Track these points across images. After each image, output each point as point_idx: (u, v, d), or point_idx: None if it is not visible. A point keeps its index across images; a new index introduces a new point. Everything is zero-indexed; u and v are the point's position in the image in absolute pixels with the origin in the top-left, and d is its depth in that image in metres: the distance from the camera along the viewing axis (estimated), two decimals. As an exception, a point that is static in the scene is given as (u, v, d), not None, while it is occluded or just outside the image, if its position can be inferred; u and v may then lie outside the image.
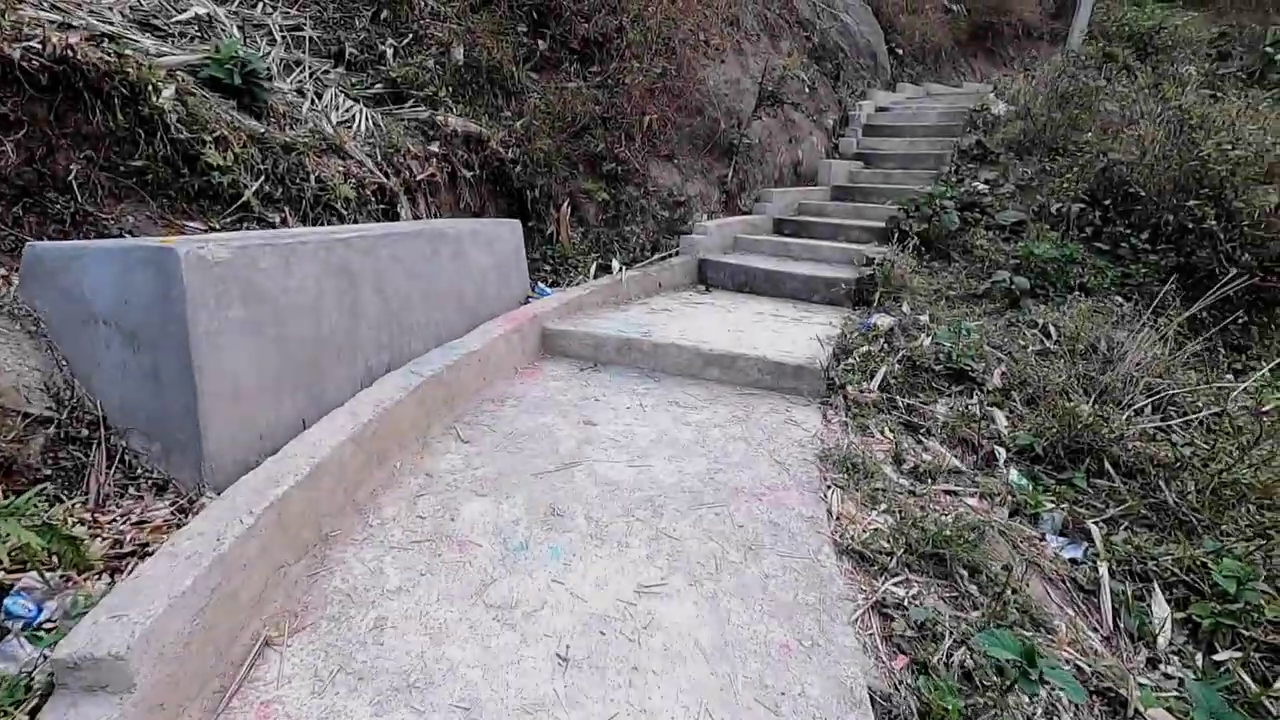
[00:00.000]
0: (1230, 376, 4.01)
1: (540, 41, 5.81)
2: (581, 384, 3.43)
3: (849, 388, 3.36)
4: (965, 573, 2.16)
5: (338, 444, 2.18)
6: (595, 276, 4.84)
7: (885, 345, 3.85)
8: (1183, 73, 8.24)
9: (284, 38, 4.84)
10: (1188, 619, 2.26)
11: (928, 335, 3.99)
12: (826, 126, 7.71)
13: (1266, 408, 3.42)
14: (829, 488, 2.53)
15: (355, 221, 3.94)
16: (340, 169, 4.05)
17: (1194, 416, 3.33)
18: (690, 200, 5.83)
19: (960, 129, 7.70)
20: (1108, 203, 5.48)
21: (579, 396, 3.26)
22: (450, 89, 5.07)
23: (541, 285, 4.48)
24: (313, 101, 4.45)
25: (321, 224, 3.80)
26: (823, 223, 6.04)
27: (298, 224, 3.67)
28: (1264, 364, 4.54)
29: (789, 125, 7.06)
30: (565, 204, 5.17)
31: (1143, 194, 5.37)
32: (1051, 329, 4.23)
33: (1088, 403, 3.44)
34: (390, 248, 3.00)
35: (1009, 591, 2.07)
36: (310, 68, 4.73)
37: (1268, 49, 10.08)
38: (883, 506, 2.45)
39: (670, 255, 5.42)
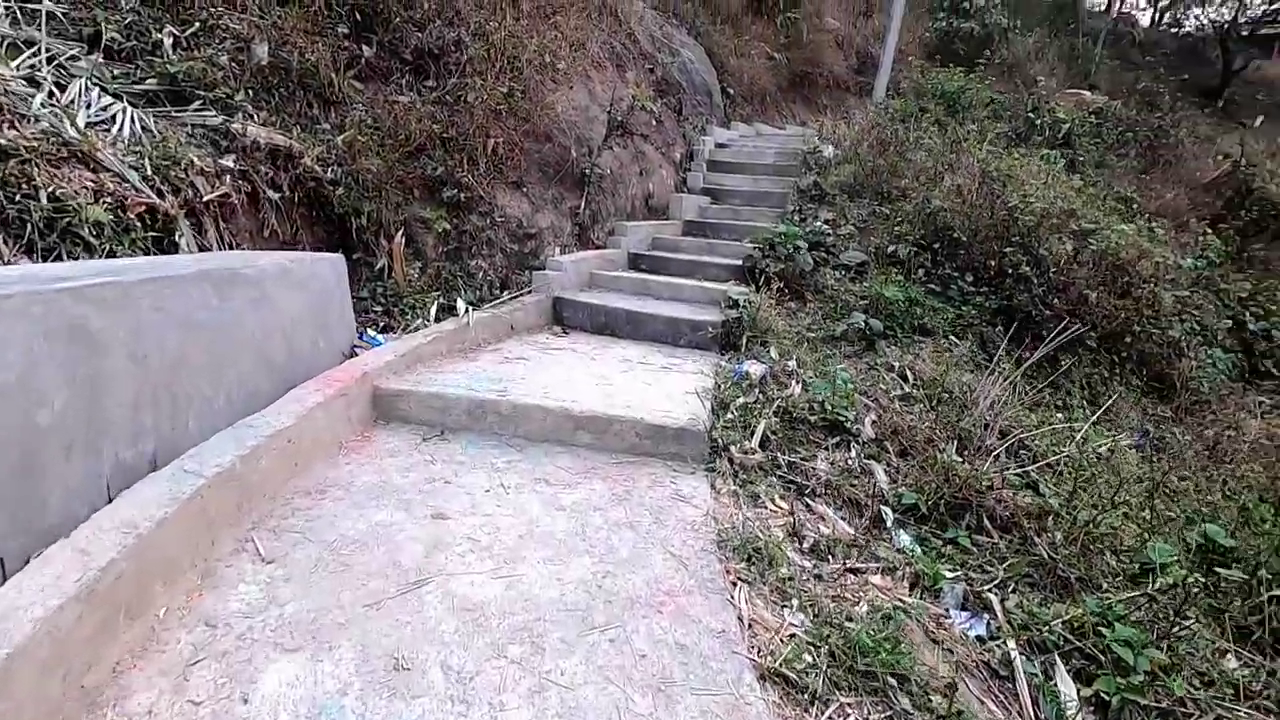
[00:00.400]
0: (1060, 416, 4.32)
1: (365, 47, 5.09)
2: (426, 459, 2.82)
3: (733, 449, 3.08)
4: (895, 683, 1.90)
5: (53, 609, 1.44)
6: (437, 319, 4.20)
7: (760, 396, 3.65)
8: (973, 130, 9.29)
9: (9, 9, 3.73)
10: (1095, 695, 2.19)
11: (798, 383, 3.87)
12: (674, 160, 7.66)
13: (1101, 446, 3.66)
14: (734, 584, 2.19)
15: (114, 254, 3.02)
16: (90, 183, 3.11)
17: (1046, 461, 3.47)
18: (542, 232, 5.38)
19: (797, 169, 8.01)
20: (936, 246, 5.87)
21: (424, 478, 2.65)
22: (251, 92, 4.20)
23: (371, 332, 3.77)
24: (51, 94, 3.42)
25: (61, 258, 2.85)
26: (680, 259, 5.87)
27: (19, 259, 2.70)
28: (1076, 396, 5.00)
29: (639, 157, 6.88)
30: (400, 234, 4.48)
31: (964, 240, 5.80)
32: (908, 373, 4.32)
33: (953, 450, 3.46)
34: (154, 295, 2.22)
35: (946, 706, 1.84)
36: (50, 51, 3.67)
37: (1029, 114, 11.80)
38: (795, 603, 2.15)
39: (522, 293, 4.91)
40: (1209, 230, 10.62)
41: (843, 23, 16.50)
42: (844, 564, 2.50)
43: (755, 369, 3.88)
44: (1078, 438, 3.59)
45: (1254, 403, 6.50)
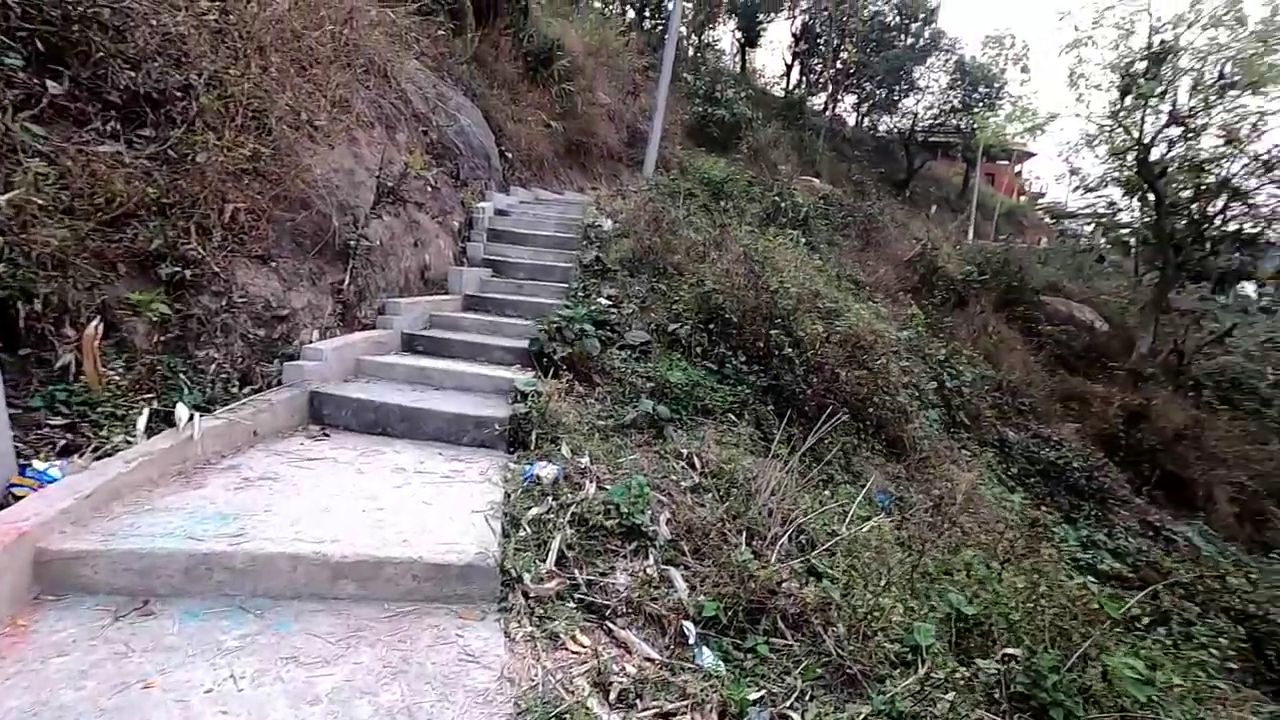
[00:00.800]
0: (827, 493, 4.69)
1: (51, 82, 4.05)
2: (118, 651, 2.10)
3: (527, 578, 2.78)
4: None
5: None
6: (148, 432, 3.33)
7: (554, 504, 3.41)
8: (733, 212, 10.27)
9: None
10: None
11: (593, 481, 3.71)
12: (452, 229, 7.29)
13: (866, 527, 4.00)
14: (538, 775, 1.88)
15: None
16: None
17: (825, 546, 3.69)
18: (296, 313, 4.65)
19: (578, 242, 8.10)
20: (711, 326, 6.22)
21: (112, 684, 1.96)
22: None
23: (42, 463, 2.84)
24: None
25: None
26: (461, 340, 5.47)
27: None
28: (835, 465, 5.50)
29: (413, 226, 6.40)
30: (95, 322, 3.53)
31: (736, 320, 6.23)
32: (696, 460, 4.40)
33: (744, 542, 3.53)
34: None
35: None
36: None
37: (776, 198, 13.44)
38: (608, 786, 1.91)
39: (270, 389, 4.16)
40: (913, 302, 12.83)
41: (613, 99, 17.50)
42: (654, 709, 2.32)
43: (547, 471, 3.64)
44: (848, 520, 3.89)
45: (959, 453, 7.81)
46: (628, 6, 24.86)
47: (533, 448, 4.02)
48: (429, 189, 7.13)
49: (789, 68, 28.83)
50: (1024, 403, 12.44)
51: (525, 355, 5.25)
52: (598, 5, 22.42)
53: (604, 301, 6.58)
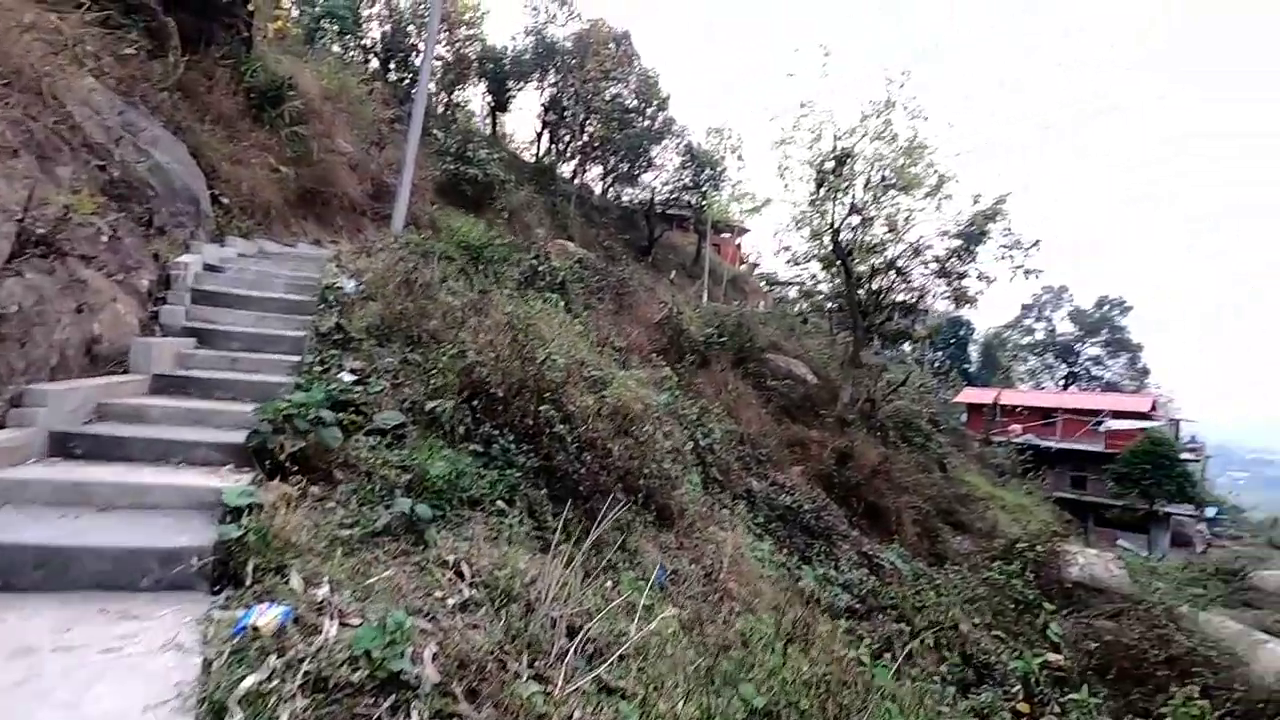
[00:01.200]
0: (610, 584, 4.41)
1: None
2: None
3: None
4: None
5: None
6: None
7: (279, 663, 2.61)
8: (492, 277, 9.90)
9: None
10: None
11: (334, 620, 2.96)
12: (139, 289, 5.78)
13: (654, 623, 3.77)
14: None
15: None
16: None
17: (617, 652, 3.36)
18: None
19: (314, 306, 7.03)
20: (476, 402, 5.69)
21: None
22: None
23: None
24: None
25: None
26: (145, 437, 4.20)
27: None
28: (612, 549, 5.27)
29: (76, 286, 4.90)
30: None
31: (501, 394, 5.79)
32: (466, 567, 3.82)
33: (526, 666, 3.07)
34: None
35: None
36: None
37: (533, 261, 13.37)
38: None
39: None
40: (664, 363, 13.52)
41: (356, 148, 16.24)
42: None
43: (269, 617, 2.81)
44: (636, 616, 3.63)
45: (718, 512, 8.16)
46: (371, 55, 23.64)
47: (249, 583, 3.10)
48: (103, 238, 5.61)
49: (539, 135, 29.76)
50: (762, 453, 13.73)
51: (242, 453, 4.20)
52: (336, 49, 20.93)
53: (347, 377, 5.70)
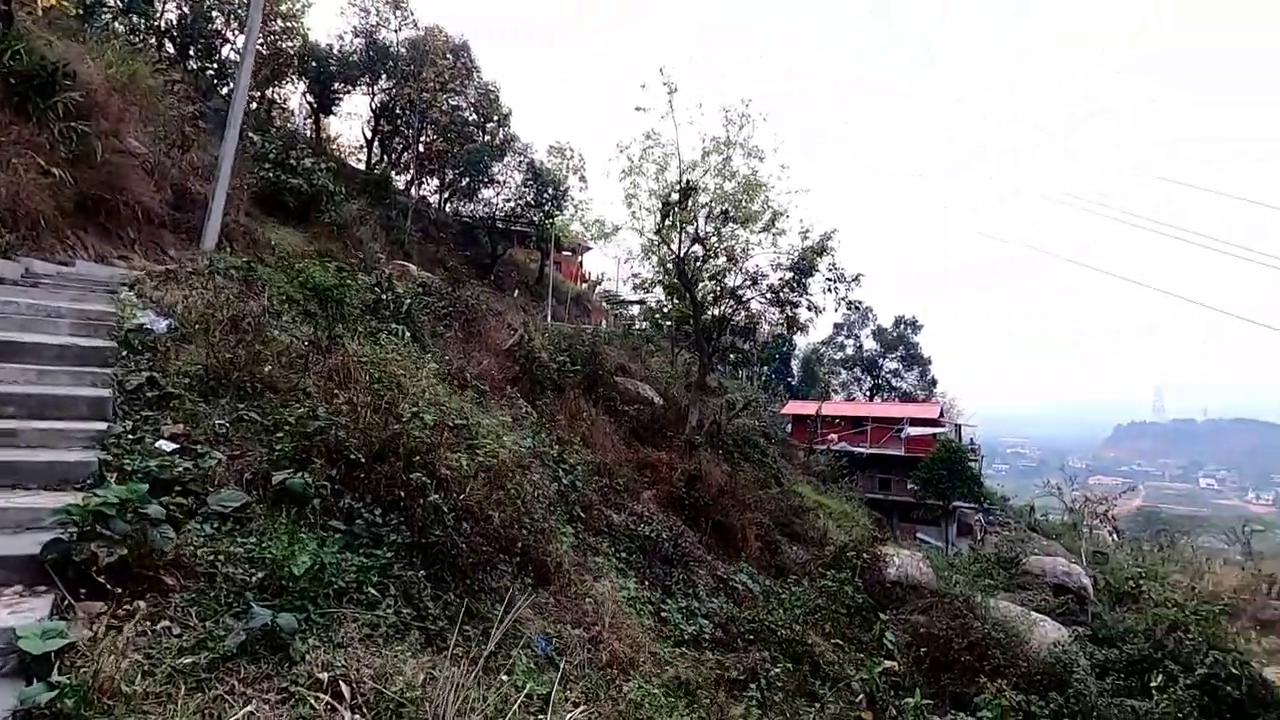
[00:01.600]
0: (506, 677, 4.08)
1: None
2: None
3: None
4: None
5: None
6: None
7: None
8: (337, 311, 8.96)
9: None
10: None
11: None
12: None
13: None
14: None
15: None
16: None
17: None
18: None
19: (115, 352, 5.90)
20: (334, 472, 5.06)
21: None
22: None
23: None
24: None
25: None
26: (-117, 557, 3.18)
27: None
28: (496, 634, 4.91)
29: None
30: None
31: (362, 459, 5.20)
32: (345, 687, 3.33)
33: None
34: None
35: None
36: None
37: (375, 289, 12.37)
38: None
39: None
40: (518, 394, 13.12)
41: (151, 149, 14.07)
42: None
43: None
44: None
45: (589, 559, 8.01)
46: (165, 39, 20.67)
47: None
48: None
49: (370, 142, 27.86)
50: (619, 482, 13.78)
51: (35, 567, 3.34)
52: (121, 29, 18.01)
53: (167, 446, 4.83)
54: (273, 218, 16.70)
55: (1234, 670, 10.34)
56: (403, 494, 4.98)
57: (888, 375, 48.63)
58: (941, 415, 37.50)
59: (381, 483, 5.07)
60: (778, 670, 8.27)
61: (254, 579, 3.83)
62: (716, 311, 18.51)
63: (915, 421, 34.68)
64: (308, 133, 26.86)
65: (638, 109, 16.72)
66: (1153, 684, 10.83)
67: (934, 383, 48.35)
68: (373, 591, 4.31)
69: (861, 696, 8.92)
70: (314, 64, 24.89)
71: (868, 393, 48.04)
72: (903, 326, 49.08)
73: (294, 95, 26.72)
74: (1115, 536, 36.48)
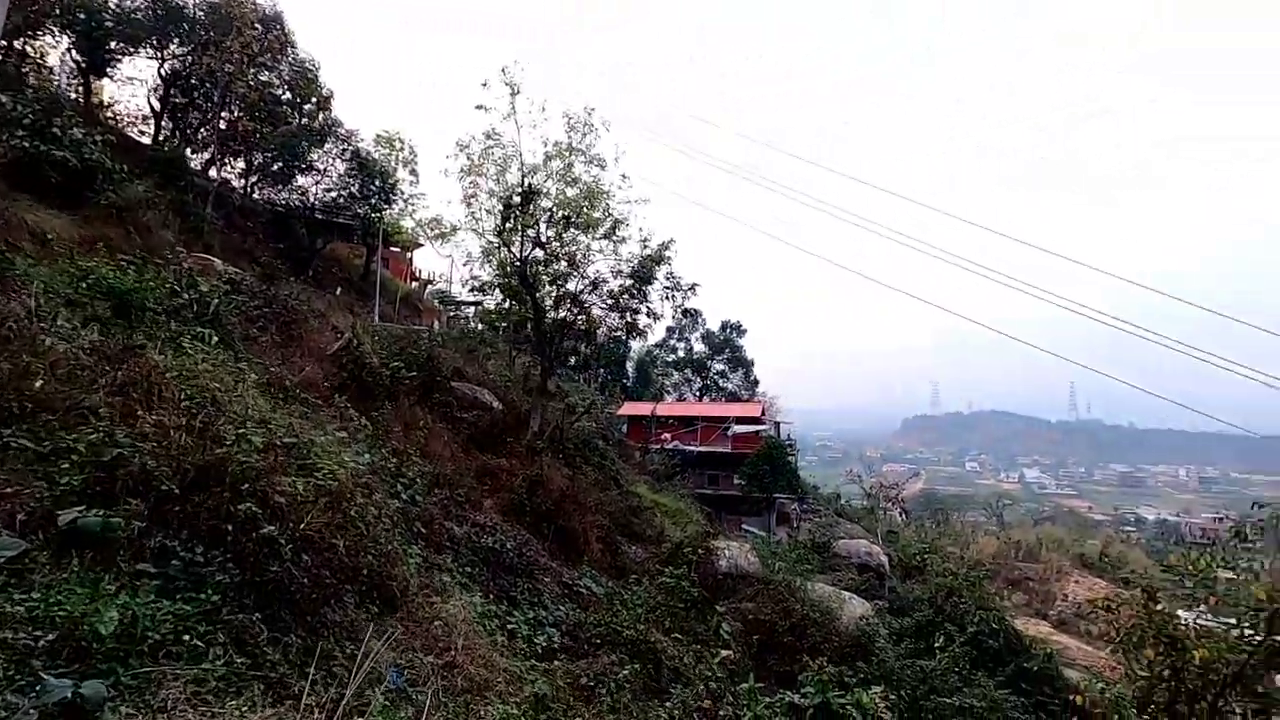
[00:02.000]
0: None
1: None
2: None
3: None
4: None
5: None
6: None
7: None
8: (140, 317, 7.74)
9: None
10: None
11: None
12: None
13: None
14: None
15: None
16: None
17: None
18: None
19: None
20: (141, 506, 4.38)
21: None
22: None
23: None
24: None
25: None
26: None
27: None
28: (348, 672, 4.58)
29: None
30: None
31: (176, 492, 4.57)
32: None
33: None
34: None
35: None
36: None
37: (175, 287, 10.84)
38: None
39: None
40: (348, 404, 12.23)
41: None
42: None
43: None
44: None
45: (435, 578, 7.67)
46: None
47: None
48: None
49: (158, 114, 24.27)
50: (459, 493, 13.32)
51: None
52: None
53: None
54: (29, 195, 13.99)
55: (995, 626, 12.38)
56: (228, 527, 4.44)
57: (715, 376, 51.70)
58: (763, 414, 40.60)
59: (201, 515, 4.49)
60: (626, 672, 8.49)
61: (41, 643, 3.22)
62: (558, 315, 18.53)
63: (741, 420, 37.23)
64: (74, 96, 22.71)
65: (478, 107, 16.28)
66: (936, 644, 12.63)
67: (756, 383, 52.26)
68: (197, 642, 3.81)
69: (701, 686, 9.44)
70: (83, 16, 21.14)
71: (698, 393, 50.72)
72: (729, 330, 52.48)
73: (54, 51, 22.46)
74: (904, 517, 42.02)
